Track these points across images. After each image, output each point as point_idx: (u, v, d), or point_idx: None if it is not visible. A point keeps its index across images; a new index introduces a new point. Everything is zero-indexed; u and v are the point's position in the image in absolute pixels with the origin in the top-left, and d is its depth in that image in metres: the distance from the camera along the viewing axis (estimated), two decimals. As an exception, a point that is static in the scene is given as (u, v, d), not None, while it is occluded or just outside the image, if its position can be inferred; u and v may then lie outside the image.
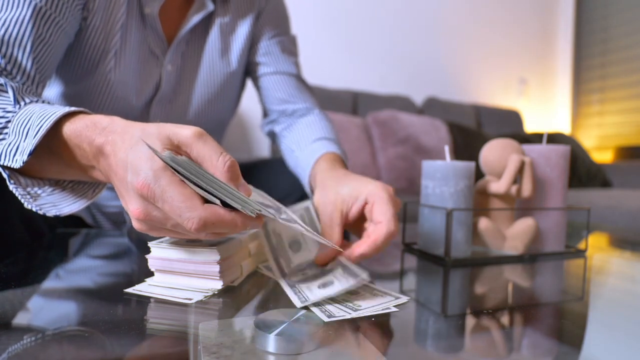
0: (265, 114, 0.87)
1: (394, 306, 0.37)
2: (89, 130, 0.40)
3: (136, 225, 0.36)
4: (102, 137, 0.39)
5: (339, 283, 0.38)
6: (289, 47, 0.85)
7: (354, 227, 0.52)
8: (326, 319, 0.32)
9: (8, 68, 0.52)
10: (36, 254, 0.56)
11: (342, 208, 0.50)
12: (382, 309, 0.36)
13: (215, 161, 0.35)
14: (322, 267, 0.46)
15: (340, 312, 0.34)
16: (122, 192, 0.37)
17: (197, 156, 0.36)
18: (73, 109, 0.43)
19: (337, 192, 0.51)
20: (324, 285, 0.38)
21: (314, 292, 0.37)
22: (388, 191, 0.48)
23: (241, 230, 0.35)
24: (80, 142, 0.41)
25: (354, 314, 0.34)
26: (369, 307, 0.36)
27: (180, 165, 0.33)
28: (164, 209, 0.33)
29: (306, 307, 0.35)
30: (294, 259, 0.47)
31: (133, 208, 0.35)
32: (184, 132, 0.36)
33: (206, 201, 0.34)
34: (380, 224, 0.46)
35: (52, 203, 0.46)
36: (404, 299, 0.38)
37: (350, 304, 0.36)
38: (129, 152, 0.35)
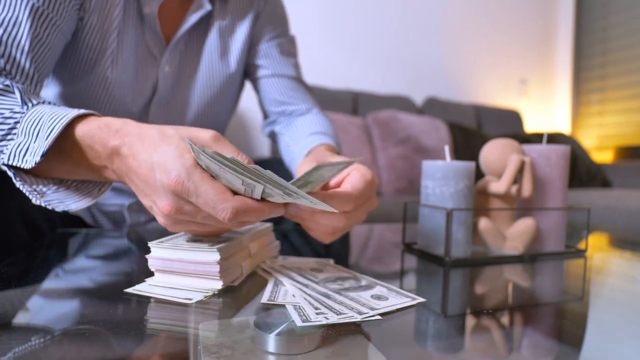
0: (265, 115, 0.87)
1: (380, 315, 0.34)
2: (102, 132, 0.41)
3: (161, 220, 0.39)
4: (116, 139, 0.40)
5: (395, 299, 0.38)
6: (288, 48, 0.85)
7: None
8: (300, 323, 0.30)
9: (7, 68, 0.53)
10: (36, 254, 0.56)
11: None
12: (362, 319, 0.33)
13: None
14: (356, 281, 0.43)
15: (316, 317, 0.32)
16: (146, 190, 0.39)
17: None
18: (83, 111, 0.44)
19: (326, 158, 0.53)
20: (378, 298, 0.38)
21: (370, 301, 0.37)
22: (373, 177, 0.46)
23: (268, 217, 0.38)
24: (92, 143, 0.42)
25: (331, 320, 0.31)
26: (345, 314, 0.33)
27: (225, 159, 0.35)
28: (197, 203, 0.35)
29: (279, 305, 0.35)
30: None
31: (163, 205, 0.37)
32: (203, 135, 0.39)
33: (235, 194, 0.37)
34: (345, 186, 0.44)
35: (59, 199, 0.46)
36: (397, 306, 0.36)
37: (330, 309, 0.34)
38: (154, 154, 0.37)
